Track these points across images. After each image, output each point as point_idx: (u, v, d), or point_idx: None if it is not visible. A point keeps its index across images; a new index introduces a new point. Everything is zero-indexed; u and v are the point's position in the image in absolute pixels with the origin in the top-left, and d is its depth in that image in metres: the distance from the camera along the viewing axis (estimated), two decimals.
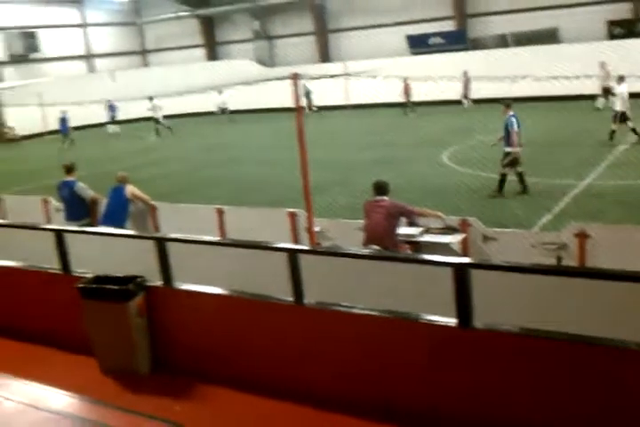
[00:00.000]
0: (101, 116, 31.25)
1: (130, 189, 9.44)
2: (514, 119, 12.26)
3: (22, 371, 5.36)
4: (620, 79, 17.07)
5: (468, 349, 4.35)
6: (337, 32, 37.01)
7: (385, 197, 7.74)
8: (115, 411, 4.77)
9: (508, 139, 12.31)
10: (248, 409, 5.03)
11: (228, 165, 19.35)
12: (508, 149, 12.33)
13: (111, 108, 31.47)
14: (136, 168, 18.97)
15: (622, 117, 16.62)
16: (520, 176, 12.45)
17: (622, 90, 16.79)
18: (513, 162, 12.29)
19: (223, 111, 31.77)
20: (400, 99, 27.50)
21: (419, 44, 33.11)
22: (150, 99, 28.31)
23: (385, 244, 7.28)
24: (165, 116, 29.06)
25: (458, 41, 32.10)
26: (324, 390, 4.97)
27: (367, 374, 4.85)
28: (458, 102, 27.07)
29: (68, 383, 5.22)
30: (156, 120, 28.74)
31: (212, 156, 21.51)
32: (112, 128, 31.48)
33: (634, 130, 16.63)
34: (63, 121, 27.90)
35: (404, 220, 7.79)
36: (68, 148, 26.42)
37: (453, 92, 25.15)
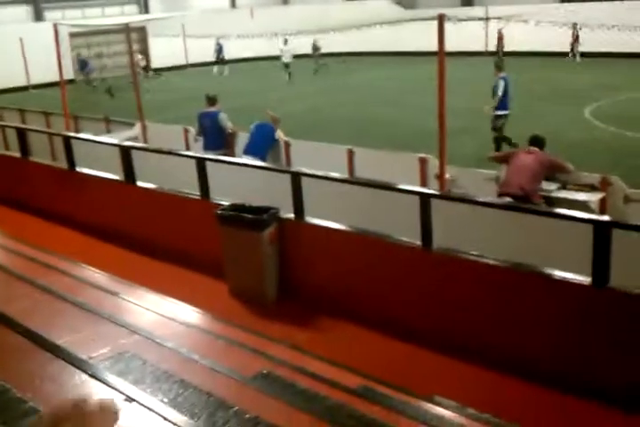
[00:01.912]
0: (241, 50, 31.76)
1: (279, 133, 9.71)
2: (502, 82, 11.70)
3: (159, 286, 5.71)
4: None
5: (602, 309, 4.23)
6: None
7: (537, 149, 7.64)
8: (241, 331, 5.02)
9: (503, 101, 11.85)
10: (363, 344, 5.18)
11: (355, 106, 19.34)
12: (498, 113, 11.92)
13: (218, 47, 30.61)
14: (266, 105, 19.32)
15: None
16: (498, 141, 12.04)
17: None
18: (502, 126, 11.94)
19: (286, 66, 27.70)
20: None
21: None
22: (285, 41, 27.61)
23: (522, 185, 7.11)
24: (300, 55, 29.18)
25: None
26: (442, 335, 5.02)
27: (489, 324, 4.83)
28: (615, 55, 25.29)
29: (200, 302, 5.52)
30: (285, 64, 27.61)
31: (339, 96, 21.51)
32: (217, 69, 30.68)
33: None
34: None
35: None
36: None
37: (616, 43, 23.75)
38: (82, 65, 29.17)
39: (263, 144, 9.57)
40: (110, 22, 26.49)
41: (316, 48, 29.95)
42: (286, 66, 27.50)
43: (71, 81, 27.19)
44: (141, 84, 28.33)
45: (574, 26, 23.77)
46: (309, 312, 5.64)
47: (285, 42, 27.64)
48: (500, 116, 11.93)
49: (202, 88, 19.88)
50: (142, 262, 6.79)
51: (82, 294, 4.92)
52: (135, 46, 30.95)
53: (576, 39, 26.05)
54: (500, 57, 26.70)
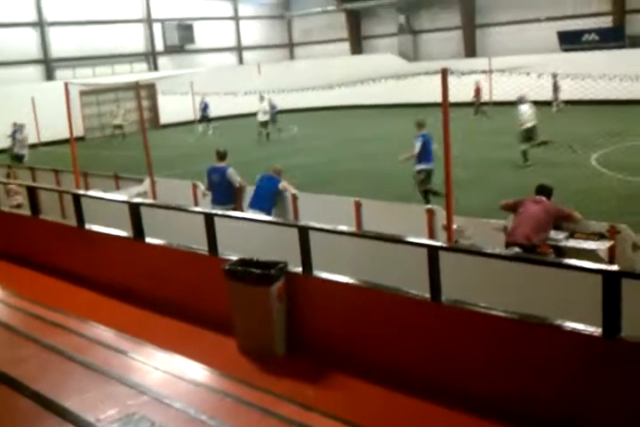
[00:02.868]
0: (247, 106, 32.06)
1: (283, 184, 9.83)
2: (419, 141, 12.32)
3: (167, 344, 5.70)
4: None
5: (615, 360, 4.17)
6: (484, 27, 36.23)
7: (544, 198, 7.67)
8: (249, 389, 4.97)
9: (419, 157, 12.45)
10: (372, 399, 5.07)
11: (361, 158, 19.57)
12: (420, 167, 12.52)
13: (204, 106, 29.68)
14: (274, 158, 19.56)
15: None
16: (425, 194, 12.58)
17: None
18: (425, 178, 12.52)
19: (262, 125, 25.69)
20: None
21: (571, 41, 31.78)
22: (261, 98, 25.16)
23: (528, 235, 7.10)
24: (303, 110, 29.44)
25: (614, 38, 30.48)
26: (456, 390, 4.94)
27: (499, 377, 4.76)
28: (614, 102, 25.60)
29: (208, 359, 5.49)
30: (261, 123, 25.69)
31: (347, 149, 21.76)
32: (202, 127, 29.76)
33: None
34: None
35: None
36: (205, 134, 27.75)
37: (615, 91, 24.08)
38: (14, 131, 23.70)
39: (267, 197, 9.68)
40: (120, 80, 27.10)
41: (272, 108, 26.49)
42: (262, 124, 25.47)
43: (81, 138, 27.76)
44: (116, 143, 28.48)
45: (554, 76, 24.12)
46: (318, 367, 5.56)
47: (261, 99, 25.32)
48: (421, 171, 12.47)
49: (205, 144, 20.13)
50: (151, 319, 6.76)
51: (90, 354, 4.89)
52: (144, 103, 31.68)
53: (555, 89, 26.42)
54: (477, 108, 26.96)
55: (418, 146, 12.30)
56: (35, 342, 4.99)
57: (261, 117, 25.42)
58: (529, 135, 16.56)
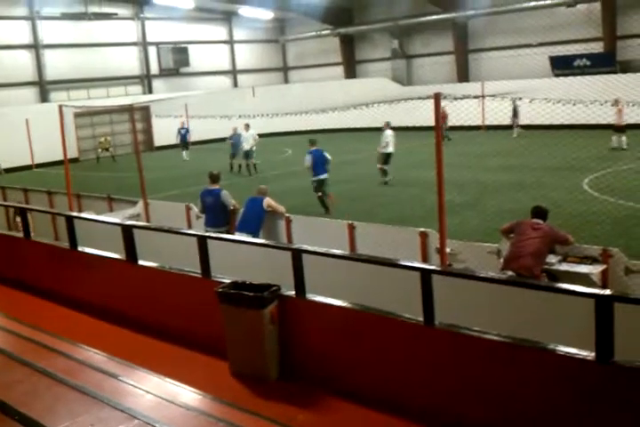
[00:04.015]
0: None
1: (267, 201, 9.85)
2: (308, 156, 15.17)
3: (160, 368, 5.65)
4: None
5: (608, 385, 4.16)
6: (477, 52, 36.63)
7: (541, 222, 7.63)
8: (242, 413, 4.93)
9: (314, 169, 15.25)
10: (369, 425, 5.03)
11: (354, 181, 19.61)
12: (312, 178, 15.42)
13: (185, 131, 29.32)
14: (268, 180, 19.60)
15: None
16: (320, 199, 15.40)
17: None
18: (317, 187, 15.44)
19: (247, 155, 23.63)
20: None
21: (563, 66, 32.17)
22: (247, 126, 23.21)
23: (530, 266, 7.07)
24: (296, 132, 29.55)
25: (605, 63, 30.88)
26: (450, 414, 4.91)
27: (491, 401, 4.74)
28: (606, 127, 25.84)
29: (201, 383, 5.44)
30: (246, 153, 23.69)
31: (338, 171, 21.82)
32: (185, 154, 29.31)
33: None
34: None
35: None
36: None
37: (605, 116, 24.30)
38: None
39: (254, 219, 9.72)
40: (114, 103, 27.24)
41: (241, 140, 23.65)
42: (247, 155, 23.46)
43: (75, 160, 27.85)
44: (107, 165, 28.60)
45: (513, 101, 24.68)
46: (311, 391, 5.52)
47: (247, 127, 23.26)
48: (313, 181, 15.36)
49: (197, 166, 20.12)
50: (143, 342, 6.70)
51: (81, 377, 4.85)
52: (139, 125, 31.85)
53: (515, 113, 27.00)
54: (445, 132, 27.32)
55: (308, 159, 15.10)
56: (25, 365, 4.95)
57: (246, 146, 23.40)
58: (386, 159, 18.71)
